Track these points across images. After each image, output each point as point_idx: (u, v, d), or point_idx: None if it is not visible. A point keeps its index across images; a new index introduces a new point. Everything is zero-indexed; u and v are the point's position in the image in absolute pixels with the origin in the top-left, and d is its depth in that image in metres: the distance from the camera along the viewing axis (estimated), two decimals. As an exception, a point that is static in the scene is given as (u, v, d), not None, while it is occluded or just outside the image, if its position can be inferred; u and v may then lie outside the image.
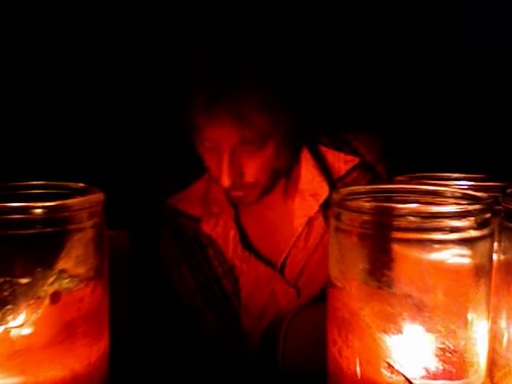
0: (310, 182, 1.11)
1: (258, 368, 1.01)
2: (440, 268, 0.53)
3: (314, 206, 1.09)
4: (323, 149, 1.14)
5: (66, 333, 0.56)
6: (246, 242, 1.12)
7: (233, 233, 1.11)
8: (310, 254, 1.09)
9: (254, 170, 1.03)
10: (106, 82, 1.38)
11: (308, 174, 1.11)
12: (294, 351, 0.91)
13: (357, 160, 1.12)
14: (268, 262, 1.10)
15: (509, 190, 0.57)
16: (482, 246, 0.54)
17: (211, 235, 1.12)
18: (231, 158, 1.00)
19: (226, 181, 1.01)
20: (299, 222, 1.09)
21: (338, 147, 1.15)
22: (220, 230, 1.12)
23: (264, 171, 1.04)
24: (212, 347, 1.11)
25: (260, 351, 1.05)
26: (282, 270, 1.10)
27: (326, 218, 1.08)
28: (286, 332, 0.93)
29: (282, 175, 1.11)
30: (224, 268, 1.11)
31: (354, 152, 1.14)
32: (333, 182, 1.11)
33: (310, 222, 1.09)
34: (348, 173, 1.12)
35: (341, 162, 1.13)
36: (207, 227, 1.12)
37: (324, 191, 1.09)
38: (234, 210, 1.13)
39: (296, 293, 1.08)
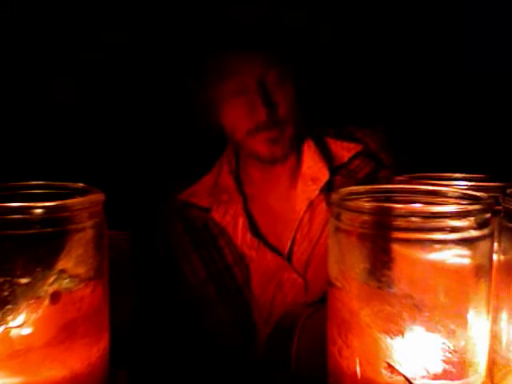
0: (311, 167, 1.14)
1: (266, 366, 1.02)
2: (440, 268, 0.53)
3: (314, 190, 1.11)
4: (327, 138, 1.18)
5: (66, 333, 0.56)
6: (254, 229, 1.14)
7: (242, 220, 1.13)
8: (317, 242, 1.10)
9: (282, 102, 1.06)
10: (106, 81, 1.38)
11: (310, 160, 1.14)
12: (307, 352, 0.91)
13: (359, 147, 1.15)
14: (276, 250, 1.12)
15: (509, 190, 0.57)
16: (482, 246, 0.54)
17: (221, 223, 1.14)
18: (261, 88, 1.05)
19: (262, 112, 1.04)
20: (301, 207, 1.12)
21: (342, 137, 1.18)
22: (229, 218, 1.14)
23: (292, 105, 1.07)
24: (221, 341, 1.12)
25: (270, 347, 1.06)
26: (289, 258, 1.11)
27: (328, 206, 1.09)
28: (301, 332, 0.93)
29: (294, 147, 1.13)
30: (235, 256, 1.13)
31: (357, 140, 1.17)
32: (334, 168, 1.14)
33: (311, 205, 1.11)
34: (351, 160, 1.15)
35: (344, 150, 1.16)
36: (217, 215, 1.14)
37: (324, 175, 1.12)
38: (243, 198, 1.15)
39: (304, 284, 1.09)
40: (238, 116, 1.07)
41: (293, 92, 1.08)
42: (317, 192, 1.11)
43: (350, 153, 1.15)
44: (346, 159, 1.14)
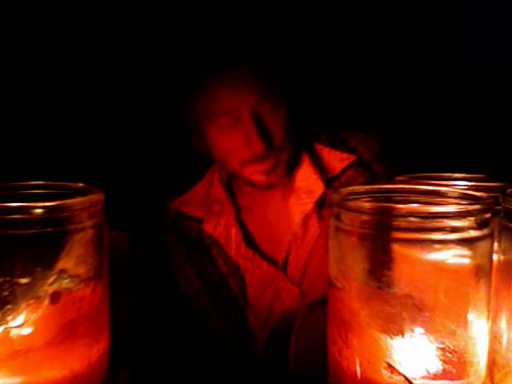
0: (305, 180, 1.11)
1: (264, 367, 1.02)
2: (440, 268, 0.53)
3: (309, 204, 1.10)
4: (319, 147, 1.15)
5: (66, 333, 0.56)
6: (248, 240, 1.13)
7: (234, 231, 1.12)
8: (311, 253, 1.09)
9: (277, 129, 1.03)
10: (106, 81, 1.38)
11: (304, 172, 1.12)
12: (305, 351, 0.91)
13: (352, 158, 1.13)
14: (271, 260, 1.11)
15: (509, 190, 0.57)
16: (482, 246, 0.54)
17: (213, 235, 1.13)
18: (255, 120, 1.01)
19: (258, 144, 1.01)
20: (295, 220, 1.10)
21: (335, 145, 1.15)
22: (221, 229, 1.13)
23: (285, 131, 1.04)
24: (219, 347, 1.12)
25: (267, 350, 1.06)
26: (284, 269, 1.11)
27: (321, 218, 1.09)
28: (298, 332, 0.93)
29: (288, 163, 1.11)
30: (228, 266, 1.12)
31: (350, 150, 1.14)
32: (328, 180, 1.11)
33: (305, 219, 1.10)
34: (343, 171, 1.12)
35: (336, 161, 1.13)
36: (208, 227, 1.13)
37: (319, 188, 1.10)
38: (235, 208, 1.14)
39: (300, 292, 1.09)
40: (232, 148, 1.04)
41: (287, 116, 1.05)
42: (311, 205, 1.09)
43: (343, 164, 1.12)
44: (338, 170, 1.12)
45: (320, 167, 1.13)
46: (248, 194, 1.15)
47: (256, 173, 1.06)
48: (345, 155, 1.13)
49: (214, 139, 1.06)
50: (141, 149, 1.38)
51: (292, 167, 1.13)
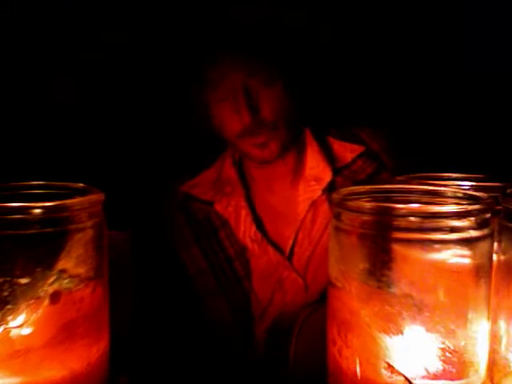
0: (314, 168, 1.14)
1: (265, 362, 1.02)
2: (440, 268, 0.53)
3: (317, 190, 1.11)
4: (330, 139, 1.18)
5: (65, 333, 0.56)
6: (258, 223, 1.14)
7: (244, 213, 1.14)
8: (317, 242, 1.10)
9: (268, 104, 1.05)
10: (105, 81, 1.39)
11: (313, 160, 1.14)
12: (305, 352, 0.91)
13: (362, 149, 1.15)
14: (278, 247, 1.12)
15: (509, 190, 0.57)
16: (482, 246, 0.54)
17: (223, 215, 1.14)
18: (245, 92, 1.04)
19: (246, 116, 1.03)
20: (303, 207, 1.12)
21: (345, 138, 1.18)
22: (232, 210, 1.14)
23: (278, 109, 1.06)
24: (221, 330, 1.13)
25: (268, 346, 1.06)
26: (290, 258, 1.12)
27: (329, 207, 1.10)
28: (299, 332, 0.94)
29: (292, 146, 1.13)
30: (236, 249, 1.13)
31: (359, 142, 1.17)
32: (337, 169, 1.14)
33: (313, 205, 1.11)
34: (353, 161, 1.15)
35: (347, 151, 1.16)
36: (220, 207, 1.14)
37: (327, 176, 1.12)
38: (246, 191, 1.16)
39: (304, 284, 1.10)
40: (227, 119, 1.07)
41: (283, 95, 1.07)
42: (319, 192, 1.11)
43: (353, 154, 1.15)
44: (349, 160, 1.15)
45: (330, 157, 1.15)
46: (258, 178, 1.17)
47: (250, 146, 1.08)
48: (355, 146, 1.16)
49: (215, 112, 1.09)
50: (146, 139, 1.39)
51: (301, 155, 1.15)
